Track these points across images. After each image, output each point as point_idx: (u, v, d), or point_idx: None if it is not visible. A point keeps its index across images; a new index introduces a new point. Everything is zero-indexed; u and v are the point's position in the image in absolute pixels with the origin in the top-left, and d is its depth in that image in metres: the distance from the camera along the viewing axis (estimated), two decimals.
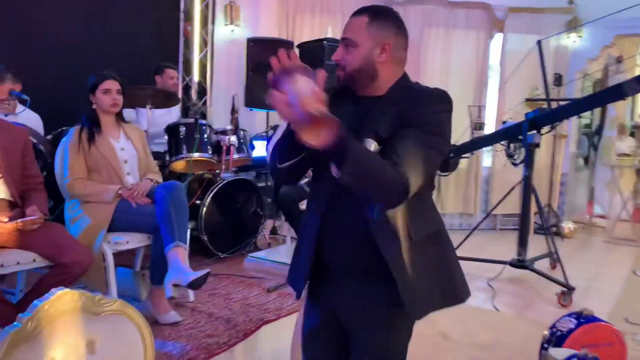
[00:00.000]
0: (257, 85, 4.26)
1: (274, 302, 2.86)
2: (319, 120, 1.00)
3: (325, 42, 4.67)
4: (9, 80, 3.31)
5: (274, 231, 4.30)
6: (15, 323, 1.28)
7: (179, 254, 2.35)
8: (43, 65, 3.93)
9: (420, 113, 1.25)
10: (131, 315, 1.46)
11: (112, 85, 2.65)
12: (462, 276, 1.40)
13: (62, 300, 1.34)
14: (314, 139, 1.03)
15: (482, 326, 2.89)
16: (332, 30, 4.80)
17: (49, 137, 3.36)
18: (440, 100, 1.29)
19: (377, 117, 1.28)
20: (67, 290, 1.36)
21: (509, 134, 3.86)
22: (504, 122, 4.37)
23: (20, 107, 3.46)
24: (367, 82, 1.32)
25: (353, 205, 1.26)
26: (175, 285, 2.33)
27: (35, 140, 3.02)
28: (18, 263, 2.11)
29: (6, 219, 2.08)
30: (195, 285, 2.28)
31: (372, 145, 1.23)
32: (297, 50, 4.87)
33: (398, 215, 1.26)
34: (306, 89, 1.04)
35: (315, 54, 4.69)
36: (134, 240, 2.55)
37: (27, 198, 2.31)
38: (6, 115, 3.32)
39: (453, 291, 1.35)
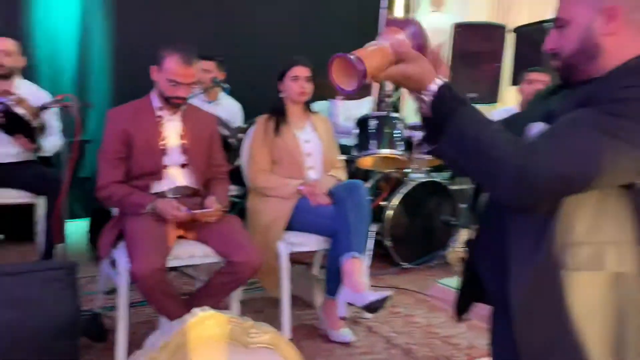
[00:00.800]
0: (462, 76, 3.76)
1: (465, 336, 2.35)
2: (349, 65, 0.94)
3: (546, 24, 3.95)
4: (214, 66, 3.40)
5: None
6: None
7: (354, 268, 2.03)
8: (246, 55, 4.02)
9: (607, 87, 0.90)
10: (285, 353, 1.16)
11: (302, 71, 2.44)
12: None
13: (207, 325, 1.09)
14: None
15: None
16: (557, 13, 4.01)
17: (244, 125, 3.36)
18: None
19: (567, 99, 0.98)
20: (213, 312, 1.09)
21: None
22: None
23: (221, 95, 3.56)
24: (585, 64, 0.99)
25: (500, 210, 1.01)
26: (350, 304, 2.02)
27: (227, 133, 3.03)
28: (192, 256, 2.02)
29: (184, 208, 2.00)
30: (372, 308, 1.93)
31: (537, 129, 0.96)
32: (513, 36, 4.23)
33: (551, 229, 0.89)
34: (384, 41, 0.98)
35: (533, 39, 4.00)
36: (311, 243, 2.31)
37: (209, 188, 2.23)
38: (209, 103, 3.43)
39: None
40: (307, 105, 2.55)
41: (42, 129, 2.83)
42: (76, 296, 1.86)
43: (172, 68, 2.03)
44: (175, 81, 2.04)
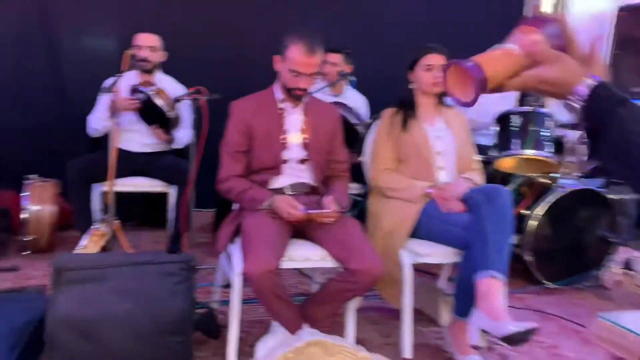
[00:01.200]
0: (626, 67, 3.18)
1: None
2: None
3: None
4: (341, 59, 3.25)
5: (627, 265, 3.15)
6: None
7: (492, 289, 1.72)
8: (373, 45, 3.83)
9: None
10: None
11: (437, 60, 2.17)
12: None
13: (313, 353, 0.89)
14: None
15: None
16: None
17: (369, 120, 3.17)
18: None
19: None
20: (322, 338, 0.91)
21: None
22: None
23: (346, 89, 3.41)
24: None
25: None
26: (484, 332, 1.72)
27: (354, 120, 2.86)
28: (307, 259, 1.87)
29: (301, 207, 1.86)
30: (512, 340, 1.62)
31: None
32: None
33: None
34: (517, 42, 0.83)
35: None
36: (438, 254, 2.04)
37: (328, 185, 2.08)
38: (335, 97, 3.29)
39: None
40: (440, 98, 2.28)
41: (176, 121, 2.91)
42: (192, 291, 1.82)
43: (294, 57, 1.90)
44: (297, 71, 1.92)
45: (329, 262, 1.87)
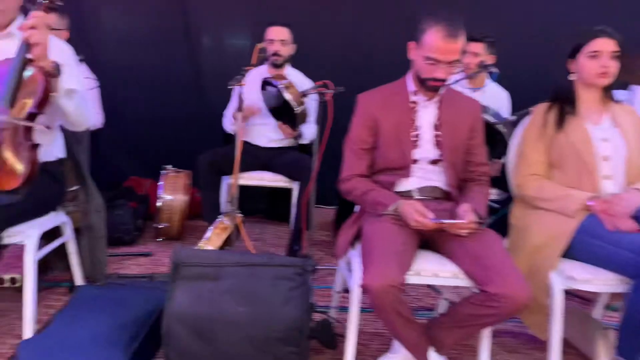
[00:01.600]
0: None
1: None
2: None
3: None
4: (483, 48, 2.93)
5: None
6: None
7: None
8: (520, 33, 3.41)
9: None
10: None
11: (606, 45, 1.80)
12: None
13: None
14: None
15: None
16: None
17: (512, 118, 2.82)
18: None
19: None
20: None
21: None
22: None
23: (487, 82, 3.07)
24: None
25: None
26: None
27: (494, 120, 2.55)
28: (436, 275, 1.63)
29: (432, 215, 1.62)
30: None
31: None
32: None
33: None
34: None
35: None
36: (600, 281, 1.66)
37: (464, 191, 1.82)
38: (474, 91, 2.98)
39: None
40: (607, 92, 1.89)
41: (303, 116, 2.84)
42: (307, 297, 1.69)
43: (432, 43, 1.67)
44: (434, 59, 1.68)
45: (462, 281, 1.62)
